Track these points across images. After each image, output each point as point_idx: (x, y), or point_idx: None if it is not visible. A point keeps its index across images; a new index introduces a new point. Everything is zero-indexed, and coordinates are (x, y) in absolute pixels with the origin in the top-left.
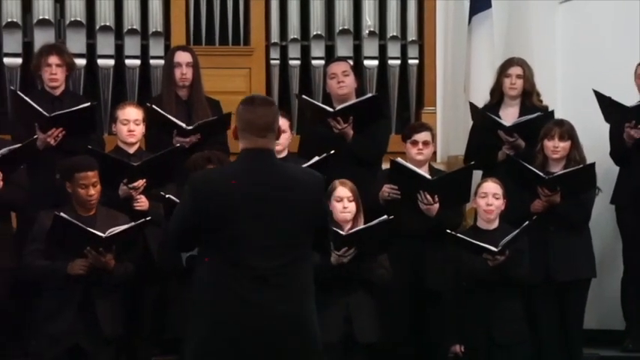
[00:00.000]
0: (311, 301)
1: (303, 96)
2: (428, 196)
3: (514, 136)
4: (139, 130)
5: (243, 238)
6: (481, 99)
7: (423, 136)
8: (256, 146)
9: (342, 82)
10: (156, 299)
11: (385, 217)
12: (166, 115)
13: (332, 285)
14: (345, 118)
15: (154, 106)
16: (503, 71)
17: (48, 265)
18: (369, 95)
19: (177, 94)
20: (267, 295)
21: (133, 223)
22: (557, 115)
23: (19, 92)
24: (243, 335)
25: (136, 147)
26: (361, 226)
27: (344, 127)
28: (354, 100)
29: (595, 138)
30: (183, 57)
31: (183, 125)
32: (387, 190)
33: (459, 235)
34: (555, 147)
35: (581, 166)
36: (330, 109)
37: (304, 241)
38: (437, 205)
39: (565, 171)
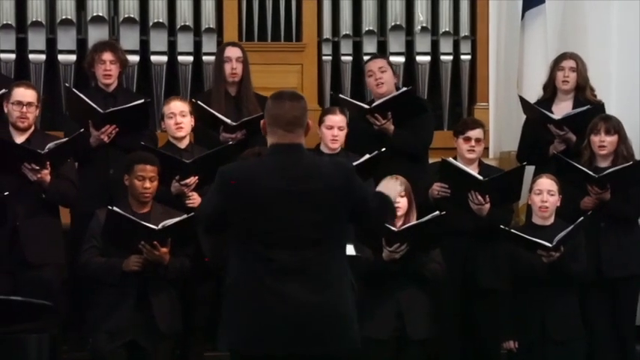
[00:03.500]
0: (345, 291)
1: (340, 95)
2: (479, 197)
3: (564, 129)
4: (187, 122)
5: (270, 231)
6: (534, 94)
7: (476, 133)
8: (284, 141)
9: (380, 79)
10: (209, 295)
11: (437, 213)
12: (211, 110)
13: (384, 281)
14: (383, 114)
15: (199, 102)
16: (556, 65)
17: (104, 262)
18: (403, 89)
19: (227, 89)
20: (295, 287)
21: (185, 216)
22: (612, 111)
23: (73, 89)
24: (274, 326)
25: (186, 142)
26: (413, 222)
27: (383, 123)
28: (388, 96)
29: None
30: (233, 52)
31: (228, 121)
32: (437, 188)
33: (512, 230)
34: (602, 142)
35: (630, 163)
36: (366, 106)
37: (334, 232)
38: (488, 205)
39: (614, 168)
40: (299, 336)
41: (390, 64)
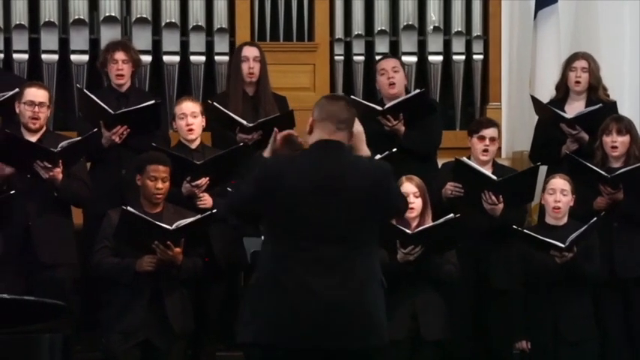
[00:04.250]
0: (375, 287)
1: (352, 96)
2: (493, 197)
3: (577, 128)
4: (197, 123)
5: (303, 225)
6: (547, 94)
7: (490, 132)
8: (332, 138)
9: (392, 79)
10: (222, 295)
11: (452, 215)
12: (227, 111)
13: (398, 282)
14: (394, 115)
15: (214, 103)
16: (568, 65)
17: (117, 263)
18: (417, 91)
19: (244, 90)
20: (326, 281)
21: (199, 216)
22: (624, 110)
23: (85, 90)
24: (301, 320)
25: (197, 142)
26: (428, 223)
27: (394, 124)
28: (402, 98)
29: None
30: (250, 51)
31: (244, 122)
32: (450, 188)
33: (525, 230)
34: (614, 142)
35: None
36: (379, 108)
37: (366, 230)
38: (501, 206)
39: (627, 168)
40: (325, 331)
41: (402, 65)
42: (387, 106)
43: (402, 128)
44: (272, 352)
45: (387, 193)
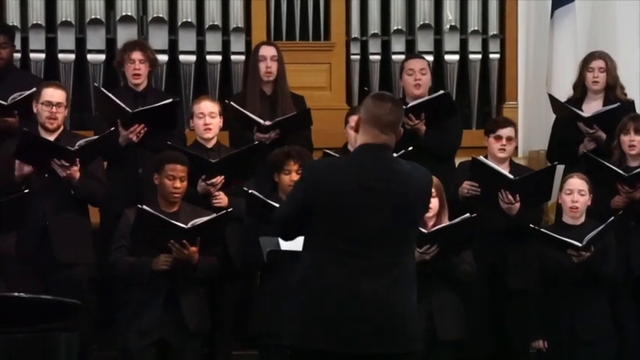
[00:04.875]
0: (414, 293)
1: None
2: (509, 196)
3: (594, 127)
4: (215, 123)
5: (347, 229)
6: (564, 93)
7: (507, 131)
8: (376, 142)
9: (419, 81)
10: (237, 294)
11: (468, 215)
12: (244, 111)
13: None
14: (416, 114)
15: (232, 103)
16: (585, 65)
17: (133, 262)
18: (441, 92)
19: (262, 89)
20: (371, 285)
21: (214, 215)
22: None
23: (102, 89)
24: (343, 324)
25: (214, 142)
26: (444, 223)
27: (416, 123)
28: (425, 98)
29: None
30: (268, 51)
31: (261, 121)
32: (467, 187)
33: (542, 230)
34: (631, 141)
35: None
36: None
37: (409, 234)
38: (518, 205)
39: None
40: (369, 335)
41: (429, 66)
42: (409, 105)
43: (423, 128)
44: (312, 356)
45: (429, 199)
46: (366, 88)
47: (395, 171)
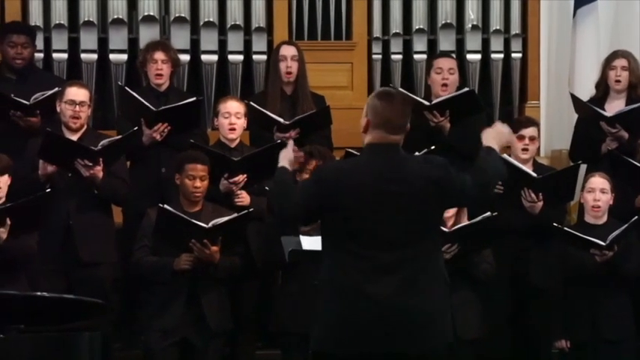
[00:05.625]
0: (439, 290)
1: (400, 89)
2: (532, 194)
3: (616, 127)
4: (240, 123)
5: (364, 230)
6: (586, 92)
7: (530, 131)
8: (386, 142)
9: (447, 80)
10: (259, 293)
11: (489, 213)
12: (264, 111)
13: None
14: (441, 111)
15: (251, 103)
16: (608, 64)
17: (156, 261)
18: (466, 90)
19: (283, 89)
20: (388, 288)
21: (236, 214)
22: None
23: (126, 87)
24: (362, 325)
25: (237, 141)
26: (465, 222)
27: (440, 120)
28: (450, 94)
29: None
30: (288, 50)
31: (281, 120)
32: None
33: (565, 228)
34: None
35: None
36: (427, 103)
37: (427, 232)
38: (541, 204)
39: None
40: (383, 336)
41: (458, 65)
42: (434, 101)
43: (448, 125)
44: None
45: (451, 185)
46: (390, 85)
47: (405, 168)
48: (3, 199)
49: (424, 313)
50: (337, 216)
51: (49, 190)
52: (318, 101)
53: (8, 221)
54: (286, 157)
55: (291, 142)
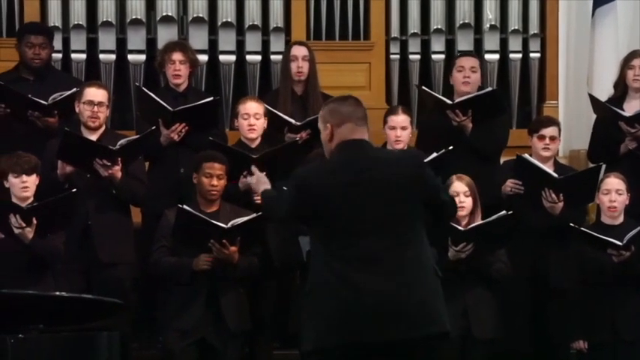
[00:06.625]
0: (428, 277)
1: (423, 87)
2: (553, 195)
3: (635, 127)
4: (260, 124)
5: (343, 223)
6: (605, 92)
7: (550, 130)
8: (354, 137)
9: (468, 78)
10: (277, 294)
11: (504, 212)
12: (274, 111)
13: (449, 280)
14: (464, 110)
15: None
16: (626, 63)
17: (174, 262)
18: (489, 89)
19: (293, 89)
20: (371, 276)
21: (254, 214)
22: None
23: (143, 88)
24: (350, 317)
25: (257, 142)
26: (479, 221)
27: (463, 119)
28: (473, 94)
29: None
30: (299, 50)
31: (292, 121)
32: (510, 185)
33: (583, 229)
34: None
35: None
36: (449, 101)
37: (410, 220)
38: (561, 204)
39: None
40: (374, 325)
41: (481, 65)
42: (457, 100)
43: (470, 125)
44: (328, 354)
45: (425, 180)
46: (415, 85)
47: (377, 159)
48: (31, 199)
49: (411, 302)
50: (323, 215)
51: (74, 190)
52: None
53: (34, 221)
54: (260, 183)
55: (254, 167)
